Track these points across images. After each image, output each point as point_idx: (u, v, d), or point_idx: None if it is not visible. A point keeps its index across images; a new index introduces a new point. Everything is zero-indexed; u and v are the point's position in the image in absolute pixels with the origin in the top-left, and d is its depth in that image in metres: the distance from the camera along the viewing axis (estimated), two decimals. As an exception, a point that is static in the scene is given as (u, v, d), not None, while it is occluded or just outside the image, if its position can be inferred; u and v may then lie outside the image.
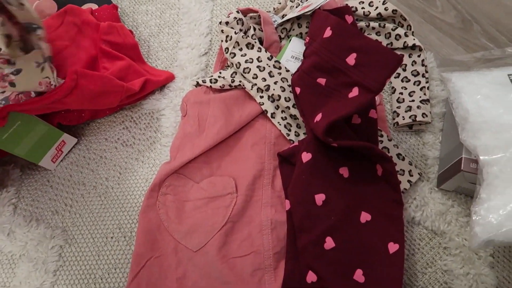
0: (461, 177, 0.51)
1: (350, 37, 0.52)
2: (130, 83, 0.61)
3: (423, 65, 0.63)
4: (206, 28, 0.73)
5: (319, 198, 0.52)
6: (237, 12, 0.66)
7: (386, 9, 0.66)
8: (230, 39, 0.63)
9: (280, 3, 0.72)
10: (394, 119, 0.61)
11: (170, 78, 0.68)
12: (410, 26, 0.65)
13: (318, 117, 0.53)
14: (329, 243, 0.50)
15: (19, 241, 0.58)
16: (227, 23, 0.64)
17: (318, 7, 0.63)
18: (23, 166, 0.64)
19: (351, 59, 0.52)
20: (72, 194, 0.62)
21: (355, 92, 0.51)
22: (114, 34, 0.65)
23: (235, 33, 0.63)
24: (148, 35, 0.74)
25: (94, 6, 0.72)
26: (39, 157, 0.61)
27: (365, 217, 0.52)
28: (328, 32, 0.55)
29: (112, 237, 0.58)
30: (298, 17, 0.68)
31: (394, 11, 0.65)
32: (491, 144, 0.46)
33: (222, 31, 0.65)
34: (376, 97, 0.61)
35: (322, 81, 0.55)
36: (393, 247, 0.50)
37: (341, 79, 0.53)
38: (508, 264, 0.52)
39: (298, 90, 0.57)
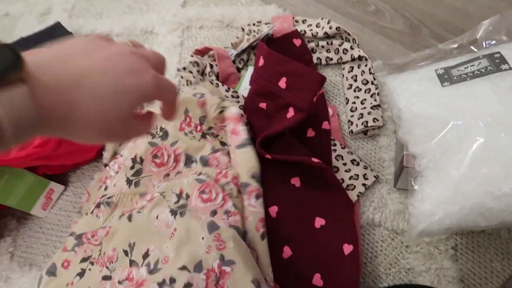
0: (407, 173, 0.52)
1: (279, 63, 0.57)
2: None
3: (370, 73, 0.66)
4: (174, 70, 0.80)
5: (273, 210, 0.54)
6: (191, 56, 0.72)
7: (330, 27, 0.70)
8: (191, 83, 0.69)
9: (238, 38, 0.78)
10: (349, 127, 0.64)
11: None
12: (355, 40, 0.69)
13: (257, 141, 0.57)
14: (287, 252, 0.52)
15: (15, 286, 0.63)
16: (184, 68, 0.70)
17: (264, 35, 0.68)
18: (19, 217, 0.71)
19: (282, 83, 0.56)
20: (61, 238, 0.67)
21: (291, 112, 0.56)
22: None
23: (193, 77, 0.69)
24: (125, 84, 0.82)
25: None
26: (30, 206, 0.67)
27: (319, 222, 0.54)
28: (261, 61, 0.60)
29: (96, 272, 0.62)
30: (253, 47, 0.74)
31: (337, 28, 0.70)
32: (419, 137, 0.47)
33: (181, 77, 0.71)
34: (329, 109, 0.64)
35: (263, 105, 0.60)
36: (347, 248, 0.51)
37: (278, 102, 0.58)
38: (472, 255, 0.52)
39: (245, 115, 0.61)
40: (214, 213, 0.48)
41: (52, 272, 0.52)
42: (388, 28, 0.75)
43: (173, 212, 0.50)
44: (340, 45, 0.69)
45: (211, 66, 0.71)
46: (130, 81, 0.30)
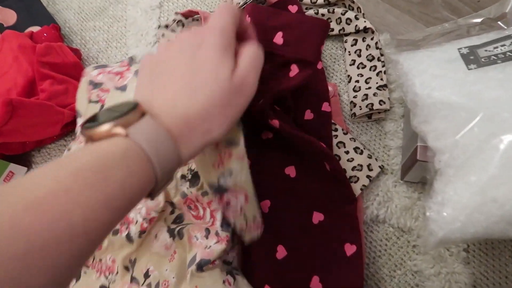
0: (420, 167, 0.46)
1: (270, 18, 0.47)
2: (70, 107, 0.59)
3: (377, 48, 0.58)
4: (153, 37, 0.70)
5: (265, 204, 0.48)
6: (176, 14, 0.62)
7: (333, -7, 0.62)
8: None
9: (226, 1, 0.68)
10: (351, 109, 0.57)
11: (117, 94, 0.65)
12: (360, 8, 0.61)
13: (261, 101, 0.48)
14: (281, 251, 0.47)
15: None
16: (167, 26, 0.61)
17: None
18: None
19: (278, 39, 0.47)
20: (24, 226, 0.59)
21: (294, 70, 0.46)
22: (52, 54, 0.63)
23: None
24: (96, 51, 0.72)
25: (37, 29, 0.70)
26: (-14, 192, 0.58)
27: (317, 217, 0.48)
28: (247, 20, 0.50)
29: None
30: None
31: (340, -7, 0.61)
32: (441, 129, 0.41)
33: (163, 35, 0.61)
34: (330, 88, 0.57)
35: None
36: (350, 249, 0.46)
37: (276, 61, 0.48)
38: (485, 258, 0.47)
39: None
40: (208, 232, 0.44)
41: None
42: (395, -4, 0.66)
43: (171, 233, 0.46)
44: (343, 14, 0.60)
45: (196, 32, 0.62)
46: (234, 101, 0.32)
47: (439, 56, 0.45)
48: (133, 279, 0.45)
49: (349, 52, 0.61)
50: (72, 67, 0.64)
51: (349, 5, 0.62)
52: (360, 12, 0.61)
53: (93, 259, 0.48)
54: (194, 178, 0.46)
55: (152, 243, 0.46)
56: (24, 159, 0.63)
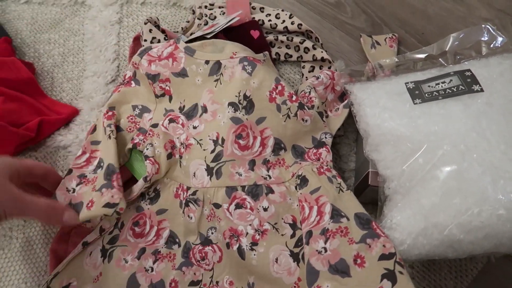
0: (371, 191, 0.50)
1: None
2: (25, 127, 0.57)
3: (333, 76, 0.62)
4: (112, 53, 0.69)
5: None
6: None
7: (292, 23, 0.65)
8: (158, 41, 0.61)
9: (188, 22, 0.69)
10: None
11: (74, 113, 0.63)
12: (318, 38, 0.64)
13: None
14: None
15: None
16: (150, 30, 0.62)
17: (222, 28, 0.61)
18: None
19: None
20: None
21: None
22: (4, 70, 0.60)
23: (165, 38, 0.61)
24: (51, 65, 0.70)
25: (-13, 41, 0.67)
26: None
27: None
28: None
29: (18, 293, 0.53)
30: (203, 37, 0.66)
31: (299, 25, 0.64)
32: (390, 158, 0.45)
33: (150, 30, 0.61)
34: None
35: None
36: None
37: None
38: (428, 273, 0.52)
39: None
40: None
41: None
42: (348, 25, 0.71)
43: (295, 257, 0.46)
44: (301, 43, 0.63)
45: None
46: None
47: (389, 89, 0.50)
48: None
49: (306, 77, 0.64)
50: (25, 83, 0.62)
51: (308, 34, 0.65)
52: (319, 41, 0.64)
53: (210, 282, 0.48)
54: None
55: (271, 267, 0.45)
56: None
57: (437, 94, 0.47)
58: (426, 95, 0.47)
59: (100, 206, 0.46)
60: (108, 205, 0.46)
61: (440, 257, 0.41)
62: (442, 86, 0.47)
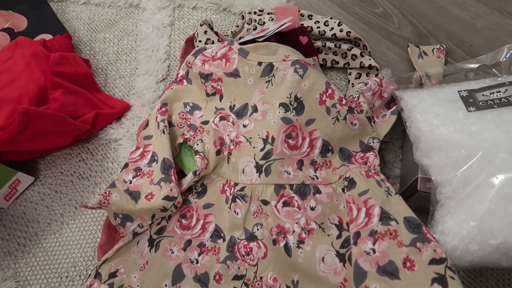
0: (419, 197, 0.50)
1: None
2: (81, 119, 0.60)
3: (380, 82, 0.62)
4: (163, 54, 0.72)
5: None
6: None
7: (341, 30, 0.66)
8: (212, 43, 0.63)
9: (237, 26, 0.71)
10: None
11: (126, 108, 0.66)
12: (366, 46, 0.65)
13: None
14: None
15: (-32, 286, 0.55)
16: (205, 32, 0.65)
17: (273, 33, 0.63)
18: (-26, 205, 0.62)
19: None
20: (26, 233, 0.59)
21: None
22: (65, 64, 0.64)
23: (218, 40, 0.64)
24: (105, 63, 0.73)
25: (48, 37, 0.71)
26: (-11, 195, 0.58)
27: None
28: None
29: (67, 277, 0.55)
30: (254, 40, 0.68)
31: (348, 33, 0.65)
32: (442, 164, 0.45)
33: (205, 32, 0.64)
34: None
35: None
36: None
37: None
38: (474, 284, 0.51)
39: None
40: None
41: (204, 283, 0.49)
42: (396, 35, 0.71)
43: (341, 257, 0.46)
44: (349, 50, 0.65)
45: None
46: None
47: (441, 96, 0.50)
48: None
49: (352, 84, 0.65)
50: (83, 78, 0.66)
51: (356, 42, 0.66)
52: (366, 49, 0.65)
53: (254, 277, 0.48)
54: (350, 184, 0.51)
55: (317, 266, 0.46)
56: (28, 165, 0.63)
57: (492, 102, 0.47)
58: (481, 103, 0.47)
59: (160, 199, 0.48)
60: (167, 198, 0.48)
61: (494, 266, 0.41)
62: (497, 95, 0.47)
